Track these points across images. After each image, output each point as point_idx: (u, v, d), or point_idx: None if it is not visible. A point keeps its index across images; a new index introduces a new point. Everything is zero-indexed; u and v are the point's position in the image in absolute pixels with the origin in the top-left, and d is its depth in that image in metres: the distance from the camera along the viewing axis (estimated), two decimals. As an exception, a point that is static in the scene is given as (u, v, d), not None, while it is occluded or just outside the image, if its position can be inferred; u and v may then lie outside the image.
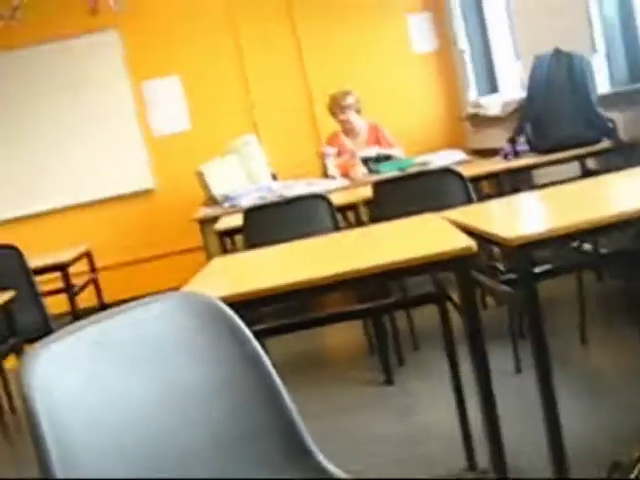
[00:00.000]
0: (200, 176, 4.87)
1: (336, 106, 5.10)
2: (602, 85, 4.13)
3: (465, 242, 1.84)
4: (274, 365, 1.43)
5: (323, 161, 5.00)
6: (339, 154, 4.99)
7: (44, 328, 3.85)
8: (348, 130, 5.15)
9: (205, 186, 4.85)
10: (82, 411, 1.23)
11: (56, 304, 4.53)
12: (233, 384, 1.41)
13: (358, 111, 5.15)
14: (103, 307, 4.70)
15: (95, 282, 4.91)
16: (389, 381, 3.42)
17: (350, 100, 5.09)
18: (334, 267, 1.86)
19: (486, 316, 3.96)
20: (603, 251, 3.56)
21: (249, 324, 1.49)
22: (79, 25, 6.15)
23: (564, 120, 4.01)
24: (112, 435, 1.25)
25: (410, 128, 6.21)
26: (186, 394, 1.38)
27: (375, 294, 2.88)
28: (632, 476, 1.60)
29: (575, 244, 3.56)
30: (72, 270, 4.39)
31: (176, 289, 1.56)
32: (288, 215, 3.37)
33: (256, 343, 1.43)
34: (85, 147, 6.29)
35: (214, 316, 1.45)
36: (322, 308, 4.42)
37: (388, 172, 4.44)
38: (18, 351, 3.41)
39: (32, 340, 3.25)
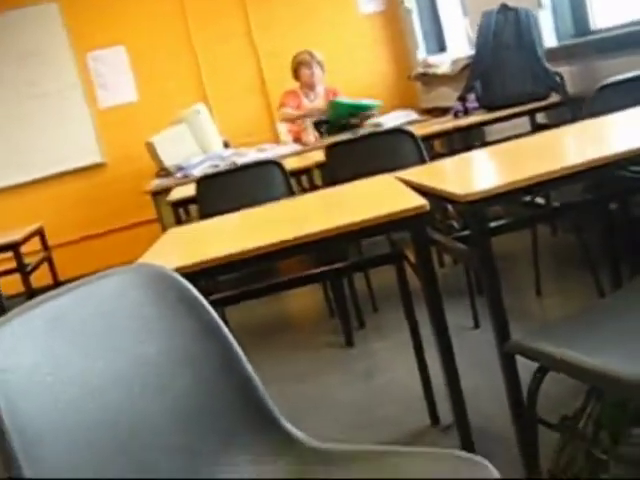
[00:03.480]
0: (150, 147, 4.79)
1: (306, 58, 5.09)
2: (549, 40, 4.16)
3: (418, 201, 1.85)
4: (234, 332, 1.42)
5: (283, 118, 5.05)
6: (296, 108, 5.02)
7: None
8: (310, 86, 5.14)
9: (156, 157, 4.79)
10: (40, 389, 1.21)
11: (9, 285, 4.46)
12: (192, 356, 1.40)
13: (323, 72, 5.18)
14: (58, 285, 4.62)
15: (49, 260, 4.82)
16: (350, 343, 3.44)
17: (320, 57, 5.11)
18: (290, 232, 1.84)
19: (443, 274, 4.07)
20: (555, 204, 3.60)
21: (207, 293, 1.47)
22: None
23: (512, 76, 4.03)
24: (71, 412, 1.23)
25: (360, 90, 6.16)
26: (144, 368, 1.36)
27: (333, 257, 2.88)
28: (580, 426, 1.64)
29: (528, 199, 3.60)
30: (24, 249, 4.31)
31: (131, 263, 1.54)
32: (241, 182, 3.34)
33: (213, 313, 1.41)
34: (31, 123, 6.12)
35: (169, 288, 1.42)
36: (280, 274, 4.42)
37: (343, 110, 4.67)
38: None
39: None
